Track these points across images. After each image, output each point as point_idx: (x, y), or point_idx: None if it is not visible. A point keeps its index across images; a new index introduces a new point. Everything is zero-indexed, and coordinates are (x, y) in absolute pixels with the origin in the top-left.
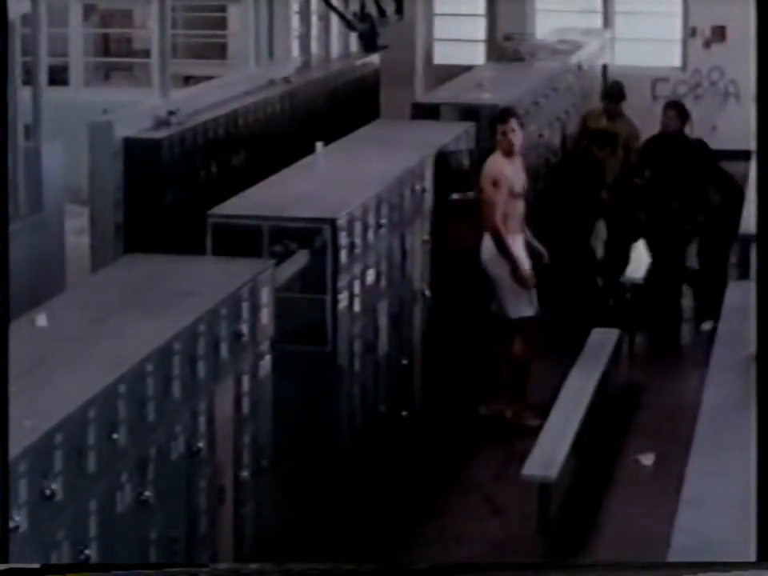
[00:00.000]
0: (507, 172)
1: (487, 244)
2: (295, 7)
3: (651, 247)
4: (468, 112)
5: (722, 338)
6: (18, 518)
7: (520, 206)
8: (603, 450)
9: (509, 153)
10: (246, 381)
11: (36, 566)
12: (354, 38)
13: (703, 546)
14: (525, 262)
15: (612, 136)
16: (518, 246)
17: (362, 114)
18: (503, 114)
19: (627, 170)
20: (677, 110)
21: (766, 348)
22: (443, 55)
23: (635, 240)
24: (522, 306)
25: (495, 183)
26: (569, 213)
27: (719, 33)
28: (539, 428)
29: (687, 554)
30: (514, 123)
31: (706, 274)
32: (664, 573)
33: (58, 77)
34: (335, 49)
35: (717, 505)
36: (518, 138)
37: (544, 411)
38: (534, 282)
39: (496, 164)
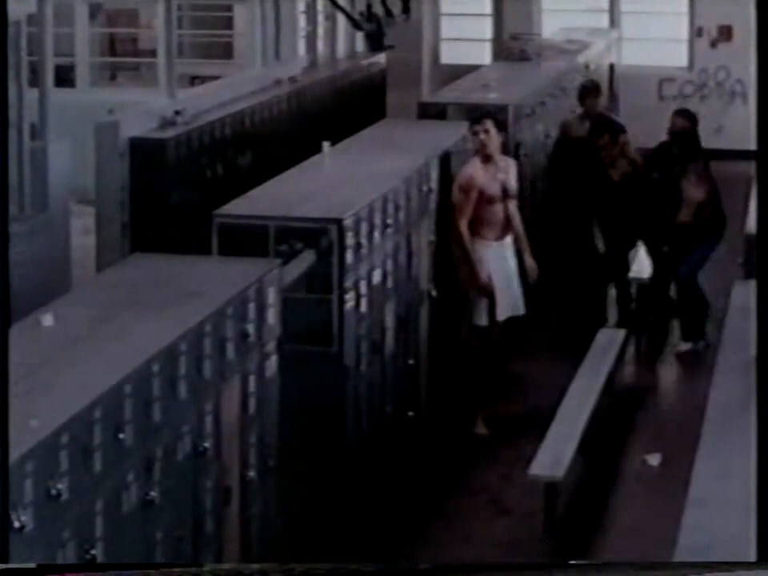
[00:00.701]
0: (479, 177)
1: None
2: (301, 7)
3: (651, 249)
4: (475, 112)
5: (727, 339)
6: (24, 518)
7: (498, 212)
8: (609, 451)
9: (483, 155)
10: (252, 381)
11: (32, 565)
12: (360, 37)
13: (709, 546)
14: (496, 271)
15: (608, 122)
16: (492, 253)
17: (369, 114)
18: (479, 115)
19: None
20: (685, 117)
21: (766, 348)
22: (450, 55)
23: (632, 242)
24: (479, 313)
25: (462, 188)
26: (572, 206)
27: (725, 32)
28: (486, 436)
29: (693, 553)
30: (488, 124)
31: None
32: (670, 573)
33: (65, 77)
34: (342, 48)
35: (722, 505)
36: (491, 139)
37: (550, 412)
38: (486, 293)
39: (468, 168)
